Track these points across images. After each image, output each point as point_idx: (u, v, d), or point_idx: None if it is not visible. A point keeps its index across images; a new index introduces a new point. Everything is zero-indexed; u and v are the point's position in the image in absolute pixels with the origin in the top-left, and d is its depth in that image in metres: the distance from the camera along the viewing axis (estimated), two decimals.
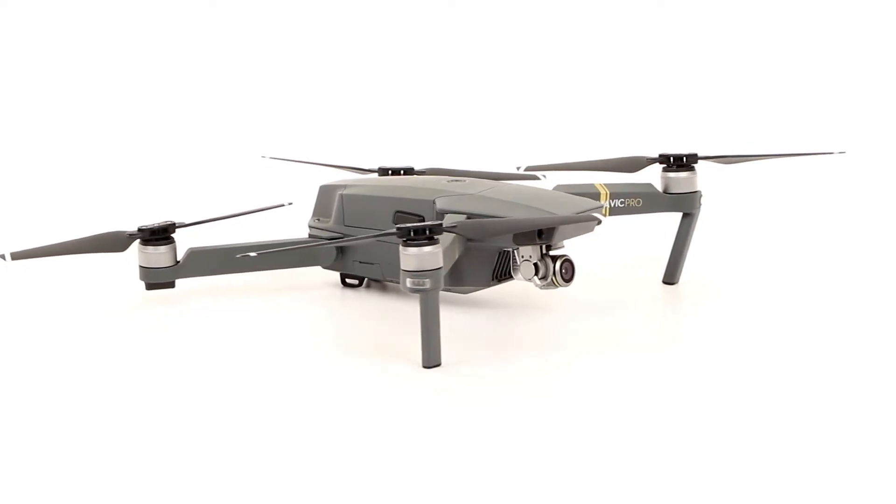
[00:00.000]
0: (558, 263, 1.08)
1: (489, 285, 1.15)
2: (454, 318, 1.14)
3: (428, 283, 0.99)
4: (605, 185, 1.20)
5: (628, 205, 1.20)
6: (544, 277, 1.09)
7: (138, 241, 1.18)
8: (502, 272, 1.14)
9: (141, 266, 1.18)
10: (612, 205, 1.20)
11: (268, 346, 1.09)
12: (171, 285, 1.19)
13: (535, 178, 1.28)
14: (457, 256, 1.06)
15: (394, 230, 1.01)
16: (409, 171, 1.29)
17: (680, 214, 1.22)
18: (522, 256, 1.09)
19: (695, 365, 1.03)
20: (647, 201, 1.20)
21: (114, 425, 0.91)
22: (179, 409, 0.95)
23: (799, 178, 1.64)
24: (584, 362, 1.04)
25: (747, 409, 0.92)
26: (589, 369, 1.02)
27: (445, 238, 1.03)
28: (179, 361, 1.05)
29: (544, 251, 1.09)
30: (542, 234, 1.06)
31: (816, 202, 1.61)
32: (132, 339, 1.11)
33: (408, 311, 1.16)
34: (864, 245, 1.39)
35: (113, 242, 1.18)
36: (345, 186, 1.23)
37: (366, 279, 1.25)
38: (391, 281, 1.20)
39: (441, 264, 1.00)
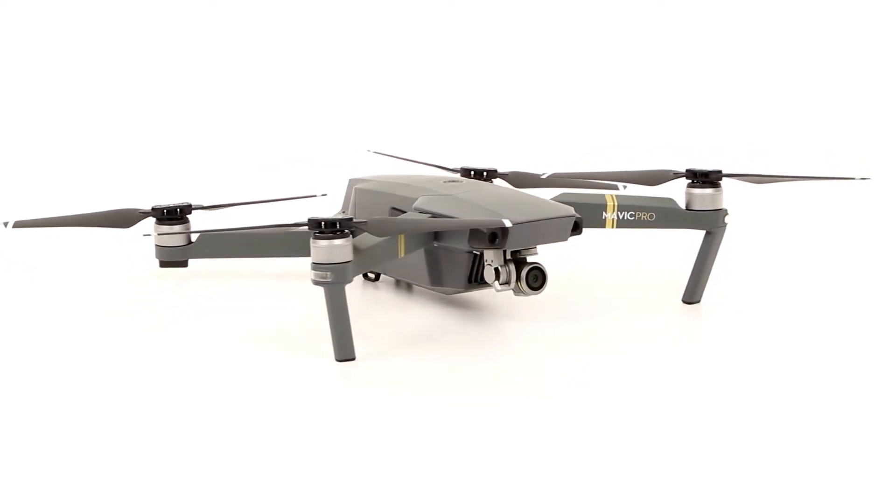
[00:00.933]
0: (525, 270, 1.08)
1: (468, 289, 1.13)
2: (433, 317, 1.15)
3: (330, 277, 1.00)
4: (615, 195, 1.17)
5: (639, 218, 1.16)
6: (506, 283, 1.09)
7: (154, 220, 1.17)
8: (479, 276, 1.13)
9: (156, 244, 1.17)
10: (621, 217, 1.16)
11: (218, 337, 1.10)
12: (184, 264, 1.18)
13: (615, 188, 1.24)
14: (399, 254, 1.07)
15: (305, 221, 1.02)
16: (491, 173, 1.28)
17: (703, 232, 1.17)
18: (486, 261, 1.10)
19: (693, 378, 1.02)
20: (662, 216, 1.16)
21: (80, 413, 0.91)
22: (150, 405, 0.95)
23: (832, 195, 1.61)
24: (528, 362, 1.04)
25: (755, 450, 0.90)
26: (534, 368, 1.02)
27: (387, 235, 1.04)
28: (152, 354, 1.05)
29: (508, 256, 1.09)
30: (496, 239, 1.06)
31: (849, 220, 1.56)
32: (110, 328, 1.11)
33: (394, 305, 1.17)
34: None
35: (121, 219, 1.17)
36: (361, 181, 1.23)
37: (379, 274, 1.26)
38: (399, 278, 1.21)
39: (348, 259, 1.00)
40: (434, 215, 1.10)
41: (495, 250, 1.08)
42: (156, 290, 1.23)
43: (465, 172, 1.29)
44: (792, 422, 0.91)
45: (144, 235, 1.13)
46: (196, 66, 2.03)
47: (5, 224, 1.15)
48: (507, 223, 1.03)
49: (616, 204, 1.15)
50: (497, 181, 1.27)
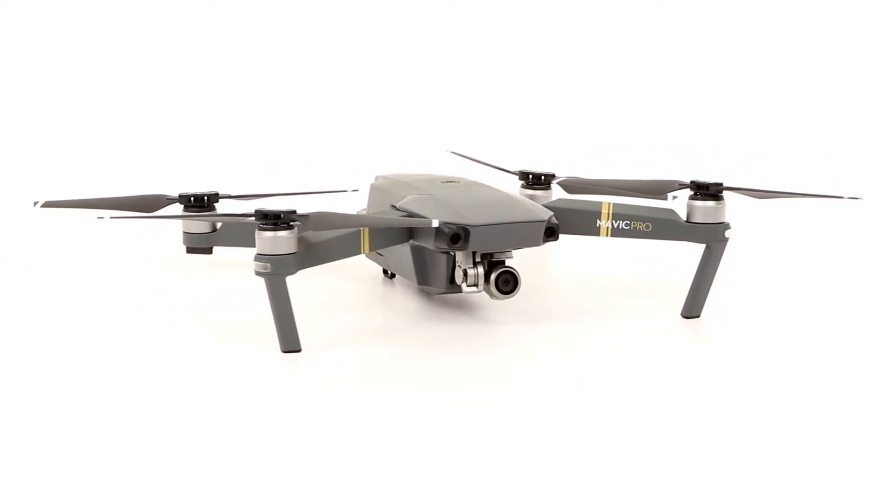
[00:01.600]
0: (496, 273, 1.08)
1: (450, 290, 1.13)
2: (406, 314, 1.16)
3: (269, 268, 1.01)
4: (612, 204, 1.15)
5: (634, 228, 1.14)
6: (474, 285, 1.09)
7: (182, 206, 1.19)
8: None
9: (183, 231, 1.19)
10: (616, 226, 1.14)
11: (194, 323, 1.11)
12: (209, 251, 1.20)
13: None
14: (363, 250, 1.08)
15: (252, 212, 1.03)
16: (549, 178, 1.29)
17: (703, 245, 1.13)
18: (458, 262, 1.10)
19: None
20: (660, 227, 1.13)
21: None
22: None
23: (836, 207, 1.58)
24: (483, 360, 1.04)
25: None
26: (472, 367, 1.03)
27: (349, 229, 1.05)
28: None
29: (477, 258, 1.09)
30: (458, 240, 1.06)
31: (852, 232, 1.53)
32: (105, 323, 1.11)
33: (379, 301, 1.17)
34: None
35: (148, 204, 1.19)
36: (380, 178, 1.25)
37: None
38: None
39: (290, 251, 1.01)
40: (409, 214, 1.11)
41: (464, 252, 1.09)
42: (156, 291, 1.23)
43: (524, 176, 1.30)
44: (786, 438, 0.91)
45: (98, 218, 1.11)
46: (257, 57, 2.05)
47: (35, 203, 1.16)
48: (435, 223, 1.04)
49: (611, 212, 1.14)
50: (554, 187, 1.27)
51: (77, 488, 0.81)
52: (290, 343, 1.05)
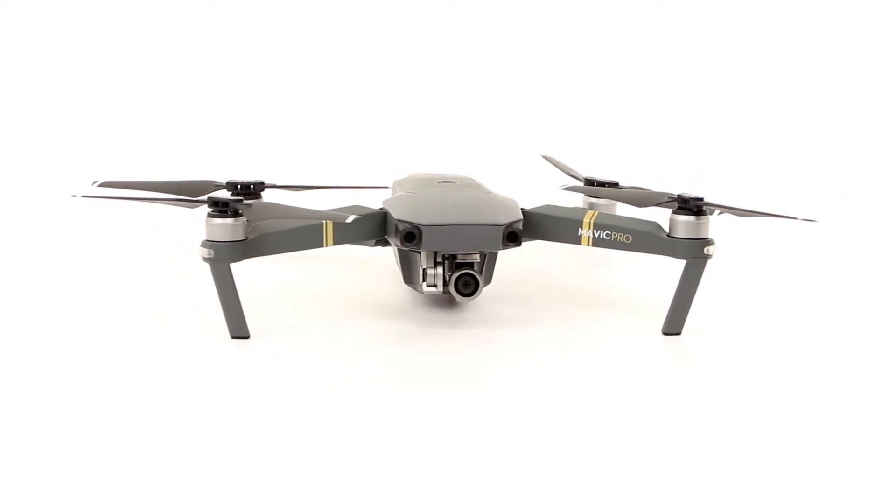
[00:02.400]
0: (457, 274, 1.08)
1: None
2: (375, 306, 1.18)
3: (212, 254, 1.04)
4: (596, 213, 1.13)
5: (615, 239, 1.11)
6: (433, 285, 1.10)
7: (229, 194, 1.22)
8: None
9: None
10: (597, 235, 1.12)
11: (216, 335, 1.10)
12: None
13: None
14: (326, 243, 1.09)
15: (205, 198, 1.05)
16: (613, 185, 1.29)
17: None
18: (420, 262, 1.10)
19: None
20: (640, 240, 1.10)
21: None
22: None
23: (826, 225, 1.56)
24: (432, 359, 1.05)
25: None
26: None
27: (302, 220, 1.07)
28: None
29: (439, 258, 1.09)
30: (413, 239, 1.07)
31: (856, 234, 1.52)
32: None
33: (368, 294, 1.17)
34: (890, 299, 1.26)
35: (196, 189, 1.22)
36: (399, 177, 1.27)
37: None
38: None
39: (234, 239, 1.04)
40: (388, 211, 1.11)
41: (426, 251, 1.09)
42: (156, 291, 1.23)
43: (589, 182, 1.30)
44: (784, 438, 0.91)
45: (72, 196, 1.14)
46: (316, 49, 2.07)
47: (94, 182, 1.21)
48: (350, 219, 1.05)
49: (593, 221, 1.12)
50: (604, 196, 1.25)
51: (77, 488, 0.81)
52: (237, 329, 1.07)
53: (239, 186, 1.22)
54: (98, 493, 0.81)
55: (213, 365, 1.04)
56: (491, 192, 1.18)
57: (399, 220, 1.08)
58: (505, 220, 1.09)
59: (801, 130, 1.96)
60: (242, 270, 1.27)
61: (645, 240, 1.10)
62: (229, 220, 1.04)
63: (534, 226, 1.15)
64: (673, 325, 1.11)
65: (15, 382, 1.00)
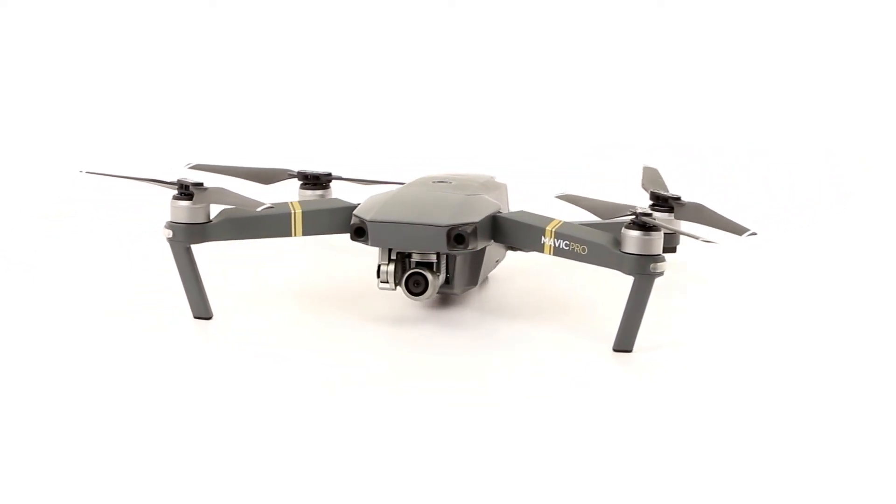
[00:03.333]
0: (408, 273, 1.09)
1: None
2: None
3: (171, 234, 1.09)
4: (561, 222, 1.10)
5: (572, 249, 1.08)
6: (385, 282, 1.10)
7: (299, 183, 1.29)
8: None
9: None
10: (557, 245, 1.08)
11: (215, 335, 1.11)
12: None
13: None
14: (294, 233, 1.13)
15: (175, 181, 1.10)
16: (676, 199, 1.25)
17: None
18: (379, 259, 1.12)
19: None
20: (594, 252, 1.06)
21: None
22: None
23: (839, 208, 1.56)
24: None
25: None
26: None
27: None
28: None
29: (393, 256, 1.10)
30: (362, 234, 1.09)
31: (857, 235, 1.49)
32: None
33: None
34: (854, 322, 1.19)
35: (269, 176, 1.29)
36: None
37: None
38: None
39: (193, 221, 1.09)
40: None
41: (381, 249, 1.10)
42: (156, 291, 1.23)
43: (653, 197, 1.26)
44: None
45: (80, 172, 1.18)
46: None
47: (187, 165, 1.29)
48: (259, 209, 1.08)
49: (555, 231, 1.09)
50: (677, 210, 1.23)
51: (77, 489, 0.81)
52: (198, 309, 1.12)
53: (308, 176, 1.28)
54: (98, 494, 0.81)
55: (213, 365, 1.04)
56: (477, 195, 1.15)
57: (354, 215, 1.10)
58: (449, 221, 1.08)
59: (801, 130, 1.96)
60: (242, 271, 1.27)
61: (598, 252, 1.06)
62: (187, 203, 1.09)
63: (503, 232, 1.13)
64: (623, 343, 1.07)
65: (15, 382, 1.00)
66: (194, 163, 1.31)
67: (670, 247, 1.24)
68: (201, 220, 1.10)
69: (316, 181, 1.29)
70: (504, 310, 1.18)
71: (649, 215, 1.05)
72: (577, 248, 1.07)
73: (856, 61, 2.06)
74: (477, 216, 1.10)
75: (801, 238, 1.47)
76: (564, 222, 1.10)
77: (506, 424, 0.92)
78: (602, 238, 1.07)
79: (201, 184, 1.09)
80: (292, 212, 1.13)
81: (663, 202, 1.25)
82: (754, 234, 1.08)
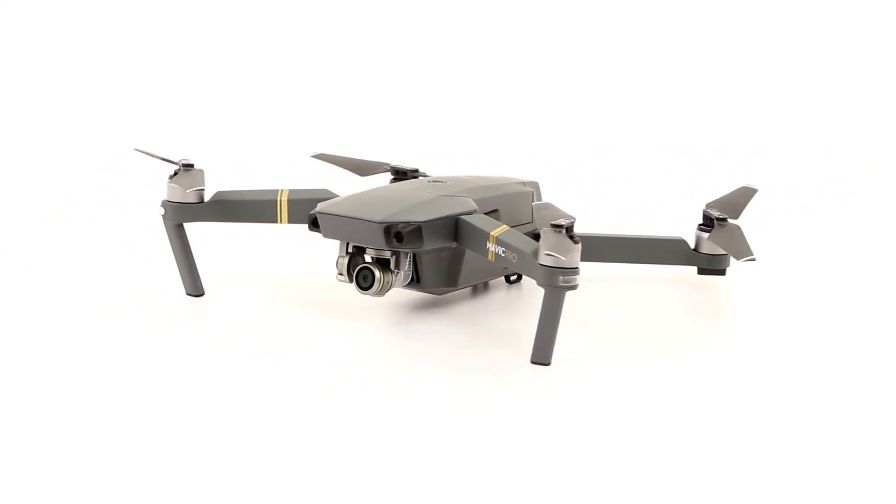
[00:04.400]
0: (356, 268, 1.09)
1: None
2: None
3: (164, 212, 1.17)
4: (504, 229, 1.07)
5: (507, 257, 1.05)
6: (340, 274, 1.11)
7: (391, 178, 1.31)
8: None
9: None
10: (496, 251, 1.05)
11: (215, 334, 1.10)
12: None
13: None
14: (280, 220, 1.16)
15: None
16: (721, 220, 1.21)
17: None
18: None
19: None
20: (521, 260, 1.03)
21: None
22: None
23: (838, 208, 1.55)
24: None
25: None
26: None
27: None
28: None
29: (349, 249, 1.10)
30: (316, 224, 1.11)
31: (857, 235, 1.48)
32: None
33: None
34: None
35: (366, 167, 1.33)
36: None
37: None
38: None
39: (185, 201, 1.16)
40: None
41: (340, 242, 1.11)
42: (156, 291, 1.23)
43: (704, 216, 1.24)
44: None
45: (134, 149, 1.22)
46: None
47: (311, 155, 1.34)
48: (206, 198, 1.15)
49: (496, 237, 1.06)
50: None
51: (77, 488, 0.81)
52: (191, 287, 1.18)
53: (398, 171, 1.30)
54: (98, 494, 0.81)
55: (213, 365, 1.04)
56: (457, 197, 1.12)
57: (318, 209, 1.11)
58: (385, 218, 1.06)
59: (802, 130, 1.96)
60: (243, 270, 1.27)
61: (522, 260, 1.03)
62: (170, 184, 1.16)
63: (462, 235, 1.09)
64: (539, 355, 1.03)
65: (15, 382, 1.00)
66: (317, 153, 1.35)
67: (720, 269, 1.23)
68: (194, 200, 1.16)
69: (404, 176, 1.30)
70: (504, 308, 1.18)
71: (566, 227, 1.00)
72: (510, 256, 1.04)
73: (856, 61, 2.06)
74: (425, 216, 1.07)
75: (801, 238, 1.48)
76: (509, 229, 1.07)
77: (506, 425, 0.92)
78: (529, 247, 1.03)
79: (191, 165, 1.15)
80: (279, 199, 1.16)
81: (709, 222, 1.22)
82: (752, 259, 1.08)
